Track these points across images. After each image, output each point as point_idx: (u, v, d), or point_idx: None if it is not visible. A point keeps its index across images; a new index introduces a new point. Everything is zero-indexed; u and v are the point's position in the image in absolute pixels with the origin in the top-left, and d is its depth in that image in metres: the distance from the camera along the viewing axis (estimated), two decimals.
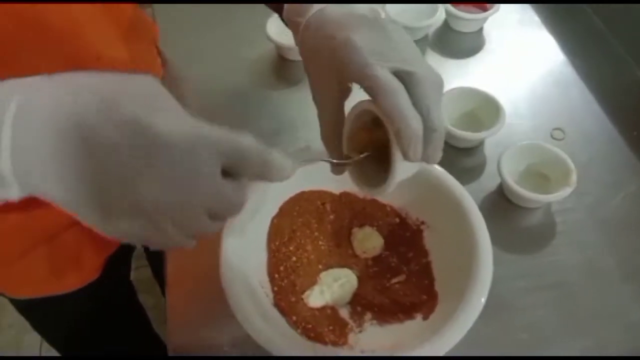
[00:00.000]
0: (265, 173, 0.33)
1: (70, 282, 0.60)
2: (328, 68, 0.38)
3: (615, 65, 0.70)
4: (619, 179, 0.59)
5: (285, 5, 0.43)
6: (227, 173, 0.32)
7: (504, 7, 0.74)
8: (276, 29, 0.70)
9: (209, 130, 0.30)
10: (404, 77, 0.35)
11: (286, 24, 0.45)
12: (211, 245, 0.45)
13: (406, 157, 0.35)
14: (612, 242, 0.54)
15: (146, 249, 0.94)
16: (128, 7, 0.56)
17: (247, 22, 0.75)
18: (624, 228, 0.55)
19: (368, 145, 0.40)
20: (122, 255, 0.66)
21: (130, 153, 0.28)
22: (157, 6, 0.77)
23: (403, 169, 0.37)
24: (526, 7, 0.78)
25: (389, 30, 0.37)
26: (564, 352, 0.48)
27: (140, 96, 0.29)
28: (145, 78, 0.30)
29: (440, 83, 0.37)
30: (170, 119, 0.29)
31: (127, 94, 0.29)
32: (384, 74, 0.34)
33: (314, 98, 0.42)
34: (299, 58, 0.74)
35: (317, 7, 0.40)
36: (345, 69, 0.36)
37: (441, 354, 0.41)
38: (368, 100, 0.37)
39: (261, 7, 0.69)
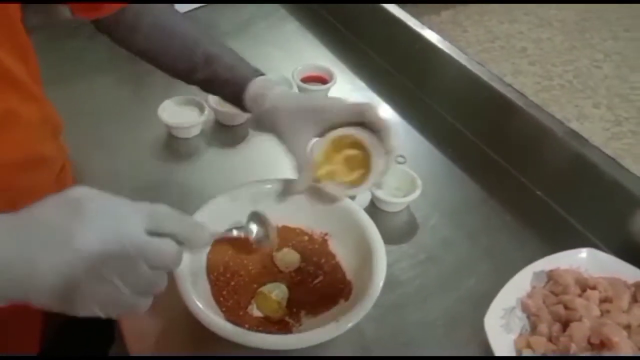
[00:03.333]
0: (184, 232, 0.42)
1: None
2: (304, 118, 0.60)
3: (427, 112, 0.96)
4: (447, 181, 0.82)
5: (247, 95, 0.63)
6: None
7: (339, 80, 0.96)
8: (167, 113, 0.83)
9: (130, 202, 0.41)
10: None
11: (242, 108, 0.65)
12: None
13: (389, 148, 0.59)
14: (457, 224, 0.75)
15: None
16: (49, 106, 0.65)
17: (143, 109, 0.87)
18: (461, 213, 0.77)
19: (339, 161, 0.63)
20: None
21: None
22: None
23: (380, 167, 0.60)
24: (355, 78, 1.03)
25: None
26: (440, 303, 0.66)
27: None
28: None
29: None
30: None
31: None
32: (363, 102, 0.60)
33: (288, 143, 0.60)
34: (185, 136, 0.87)
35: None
36: (330, 111, 0.60)
37: (359, 319, 0.55)
38: (342, 128, 0.60)
39: (153, 95, 0.82)
